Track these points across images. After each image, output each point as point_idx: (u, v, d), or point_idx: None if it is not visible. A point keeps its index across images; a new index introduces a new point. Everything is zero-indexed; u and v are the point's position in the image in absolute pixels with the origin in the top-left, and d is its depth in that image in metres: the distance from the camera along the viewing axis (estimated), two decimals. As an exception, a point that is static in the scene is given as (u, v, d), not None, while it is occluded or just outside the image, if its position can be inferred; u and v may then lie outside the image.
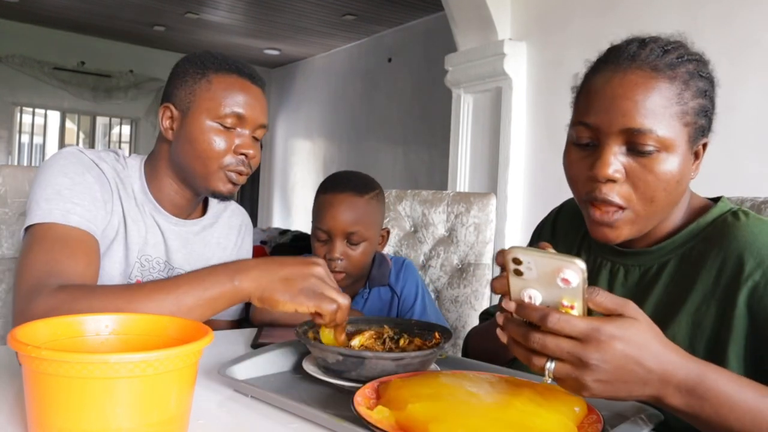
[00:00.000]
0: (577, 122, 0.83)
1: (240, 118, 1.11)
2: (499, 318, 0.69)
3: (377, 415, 0.65)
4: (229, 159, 1.11)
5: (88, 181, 1.06)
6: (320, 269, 0.87)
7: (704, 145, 0.83)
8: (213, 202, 1.31)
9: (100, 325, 0.69)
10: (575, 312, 0.64)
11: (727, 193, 0.97)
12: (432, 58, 5.22)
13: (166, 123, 1.14)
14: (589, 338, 0.62)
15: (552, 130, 2.89)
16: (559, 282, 0.63)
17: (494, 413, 0.64)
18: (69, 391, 0.55)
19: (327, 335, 0.86)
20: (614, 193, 0.79)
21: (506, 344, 0.69)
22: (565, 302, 0.64)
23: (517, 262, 0.64)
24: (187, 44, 7.01)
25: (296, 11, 5.63)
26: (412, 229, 1.82)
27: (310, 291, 0.84)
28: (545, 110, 2.92)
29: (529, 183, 2.99)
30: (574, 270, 0.62)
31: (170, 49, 7.30)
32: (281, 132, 7.97)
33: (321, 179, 1.42)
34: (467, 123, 3.22)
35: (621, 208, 0.80)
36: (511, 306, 0.67)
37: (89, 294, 0.85)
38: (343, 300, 0.84)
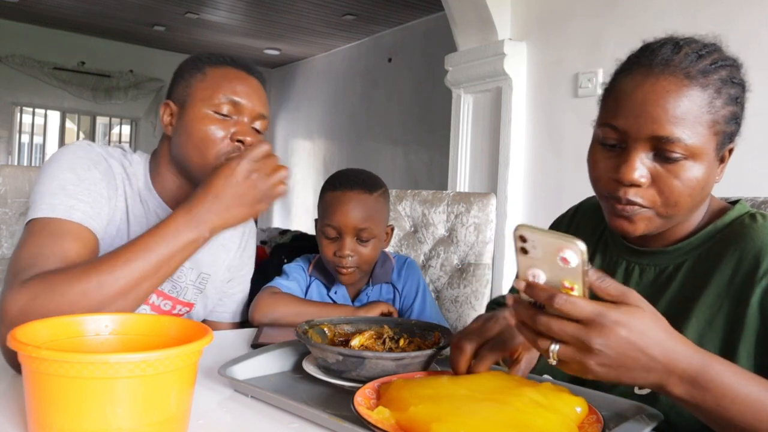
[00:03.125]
0: (604, 123, 0.83)
1: (235, 106, 1.11)
2: (509, 299, 0.70)
3: (377, 416, 0.65)
4: (225, 147, 1.10)
5: (94, 177, 1.06)
6: (237, 167, 0.94)
7: (730, 150, 0.83)
8: None
9: (100, 325, 0.69)
10: (575, 293, 0.65)
11: (727, 192, 0.97)
12: (432, 58, 5.21)
13: (166, 119, 1.15)
14: (593, 323, 0.63)
15: (552, 129, 2.89)
16: (559, 261, 0.64)
17: (495, 413, 0.64)
18: (69, 391, 0.54)
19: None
20: (638, 197, 0.80)
21: (515, 326, 0.70)
22: (566, 283, 0.65)
23: (522, 239, 0.66)
24: (187, 44, 7.01)
25: (296, 11, 5.63)
26: (412, 229, 1.82)
27: (250, 198, 0.94)
28: (545, 110, 2.92)
29: (529, 183, 2.99)
30: (574, 250, 0.63)
31: (170, 49, 7.30)
32: (281, 132, 7.97)
33: (321, 179, 1.43)
34: (467, 123, 3.21)
35: (644, 207, 0.81)
36: (521, 285, 0.67)
37: (54, 283, 0.84)
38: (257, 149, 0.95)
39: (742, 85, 0.82)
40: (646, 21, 2.47)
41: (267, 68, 7.98)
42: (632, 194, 0.80)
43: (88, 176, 1.05)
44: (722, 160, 0.83)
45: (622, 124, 0.79)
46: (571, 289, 0.64)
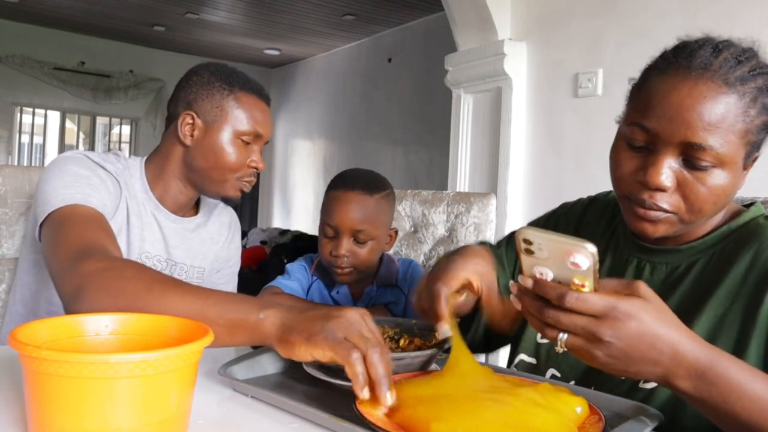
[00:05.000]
0: (634, 123, 0.80)
1: (257, 137, 1.24)
2: (513, 288, 0.70)
3: (379, 414, 0.65)
4: (243, 171, 1.23)
5: (100, 176, 1.13)
6: (354, 314, 0.72)
7: (754, 158, 0.82)
8: (204, 202, 1.39)
9: (100, 325, 0.69)
10: (586, 289, 0.64)
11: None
12: (432, 58, 5.21)
13: (186, 129, 1.20)
14: (605, 316, 0.63)
15: (552, 129, 2.89)
16: (569, 265, 0.63)
17: (495, 413, 0.64)
18: (69, 391, 0.54)
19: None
20: (663, 201, 0.79)
21: (520, 312, 0.70)
22: (576, 281, 0.64)
23: (527, 242, 0.65)
24: (187, 44, 7.01)
25: (296, 11, 5.63)
26: (412, 229, 1.82)
27: (332, 333, 0.68)
28: (545, 110, 2.92)
29: (529, 183, 2.99)
30: (584, 254, 0.63)
31: (170, 49, 7.29)
32: (281, 132, 7.97)
33: (321, 179, 1.44)
34: (467, 123, 3.21)
35: (667, 212, 0.80)
36: (528, 283, 0.67)
37: (137, 267, 0.87)
38: (374, 349, 0.67)
39: None
40: (646, 21, 2.47)
41: (267, 68, 7.98)
42: (656, 198, 0.79)
43: (95, 176, 1.12)
44: (745, 167, 0.82)
45: (654, 125, 0.77)
46: (582, 285, 0.64)
